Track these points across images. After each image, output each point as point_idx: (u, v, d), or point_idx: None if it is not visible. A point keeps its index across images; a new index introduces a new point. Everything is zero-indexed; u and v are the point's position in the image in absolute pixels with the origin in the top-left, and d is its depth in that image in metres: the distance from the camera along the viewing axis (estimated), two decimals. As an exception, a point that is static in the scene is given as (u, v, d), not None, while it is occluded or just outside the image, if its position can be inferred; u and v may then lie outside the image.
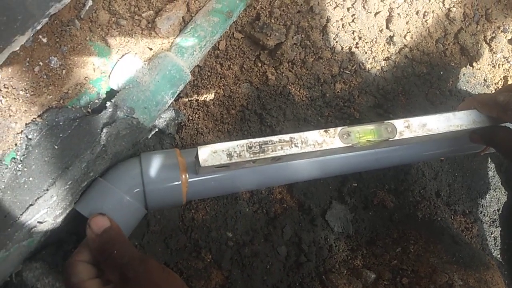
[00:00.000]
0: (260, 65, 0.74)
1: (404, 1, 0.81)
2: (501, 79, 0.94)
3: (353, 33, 0.78)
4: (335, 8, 0.76)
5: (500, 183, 0.96)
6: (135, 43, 0.58)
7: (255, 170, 0.59)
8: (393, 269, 0.73)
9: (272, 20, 0.72)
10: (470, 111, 0.59)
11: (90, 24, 0.55)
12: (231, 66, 0.72)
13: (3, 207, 0.48)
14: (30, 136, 0.51)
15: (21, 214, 0.49)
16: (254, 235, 0.70)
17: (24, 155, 0.50)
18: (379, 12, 0.79)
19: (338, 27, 0.76)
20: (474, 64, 0.89)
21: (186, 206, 0.68)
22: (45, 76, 0.52)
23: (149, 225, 0.65)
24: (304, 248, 0.71)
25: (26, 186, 0.49)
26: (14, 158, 0.50)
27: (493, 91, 0.93)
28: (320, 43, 0.75)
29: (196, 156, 0.48)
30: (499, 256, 0.91)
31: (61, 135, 0.52)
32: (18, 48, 0.47)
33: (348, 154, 0.63)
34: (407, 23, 0.82)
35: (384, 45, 0.81)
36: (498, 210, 0.94)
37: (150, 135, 0.62)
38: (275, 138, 0.50)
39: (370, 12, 0.78)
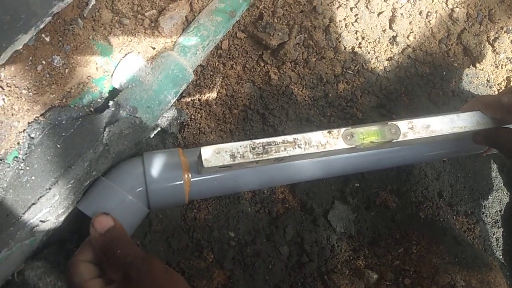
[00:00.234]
0: (262, 64, 0.74)
1: (407, 1, 0.81)
2: (504, 79, 0.93)
3: (356, 33, 0.78)
4: (338, 8, 0.76)
5: (502, 184, 0.95)
6: (138, 42, 0.58)
7: (257, 170, 0.59)
8: (395, 270, 0.73)
9: (275, 20, 0.72)
10: (474, 113, 0.59)
11: (93, 23, 0.55)
12: (234, 65, 0.72)
13: (6, 206, 0.48)
14: (32, 135, 0.50)
15: (24, 213, 0.49)
16: (256, 235, 0.70)
17: (26, 154, 0.50)
18: (382, 12, 0.79)
19: (341, 27, 0.76)
20: (477, 64, 0.89)
21: (188, 206, 0.68)
22: (48, 75, 0.52)
23: (151, 225, 0.65)
24: (306, 248, 0.71)
25: (28, 185, 0.49)
26: (17, 157, 0.50)
27: (496, 92, 0.93)
28: (323, 43, 0.75)
29: (199, 157, 0.47)
30: (501, 257, 0.91)
31: (63, 134, 0.51)
32: (21, 47, 0.47)
33: (351, 155, 0.63)
34: (410, 23, 0.82)
35: (387, 45, 0.81)
36: (500, 211, 0.94)
37: (153, 135, 0.62)
38: (278, 139, 0.49)
39: (373, 12, 0.78)
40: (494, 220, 0.93)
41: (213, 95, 0.71)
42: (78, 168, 0.51)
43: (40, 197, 0.49)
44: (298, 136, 0.50)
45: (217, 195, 0.68)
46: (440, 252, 0.74)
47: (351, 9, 0.77)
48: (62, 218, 0.52)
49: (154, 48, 0.59)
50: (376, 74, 0.81)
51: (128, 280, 0.43)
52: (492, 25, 0.88)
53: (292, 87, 0.75)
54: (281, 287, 0.69)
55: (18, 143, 0.50)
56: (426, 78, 0.85)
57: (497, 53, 0.90)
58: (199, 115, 0.70)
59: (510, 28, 0.89)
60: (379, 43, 0.80)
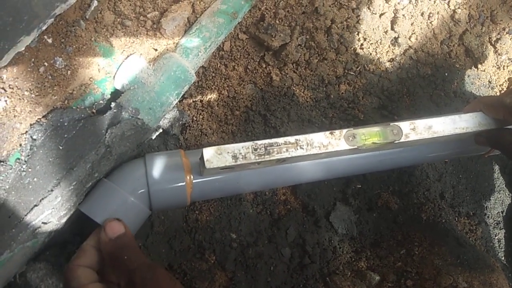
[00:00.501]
0: (264, 66, 0.74)
1: (409, 3, 0.81)
2: (506, 80, 0.93)
3: (357, 34, 0.78)
4: (339, 9, 0.76)
5: (504, 185, 0.95)
6: (140, 44, 0.58)
7: (259, 172, 0.59)
8: (397, 271, 0.73)
9: (277, 21, 0.72)
10: (476, 113, 0.58)
11: (95, 25, 0.55)
12: (236, 67, 0.72)
13: (8, 208, 0.48)
14: (34, 137, 0.50)
15: (26, 215, 0.49)
16: (258, 237, 0.70)
17: (28, 155, 0.50)
18: (384, 13, 0.79)
19: (343, 28, 0.76)
20: (479, 65, 0.89)
21: (190, 207, 0.68)
22: (50, 77, 0.52)
23: (153, 226, 0.65)
24: (308, 249, 0.71)
25: (30, 186, 0.49)
26: (19, 159, 0.50)
27: (498, 93, 0.93)
28: (325, 44, 0.75)
29: (201, 158, 0.47)
30: (503, 258, 0.91)
31: (65, 135, 0.51)
32: (23, 49, 0.47)
33: (353, 156, 0.63)
34: (412, 24, 0.82)
35: (389, 46, 0.81)
36: (502, 212, 0.94)
37: (155, 136, 0.62)
38: (280, 140, 0.49)
39: (375, 13, 0.78)
40: (496, 222, 0.92)
41: (214, 96, 0.71)
42: (80, 169, 0.51)
43: (42, 198, 0.49)
44: (300, 137, 0.50)
45: (219, 197, 0.68)
46: (442, 253, 0.74)
47: (352, 10, 0.77)
48: (64, 220, 0.52)
49: (156, 50, 0.59)
50: (378, 75, 0.81)
51: (131, 286, 0.43)
52: (494, 26, 0.88)
53: (293, 88, 0.75)
54: (283, 288, 0.69)
55: (20, 145, 0.50)
56: (428, 79, 0.85)
57: (499, 54, 0.90)
58: (201, 117, 0.70)
59: (512, 29, 0.89)
60: (380, 44, 0.80)
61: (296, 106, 0.74)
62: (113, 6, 0.56)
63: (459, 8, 0.85)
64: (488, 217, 0.91)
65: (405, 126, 0.54)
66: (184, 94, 0.63)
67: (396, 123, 0.55)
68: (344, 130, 0.52)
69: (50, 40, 0.52)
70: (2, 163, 0.49)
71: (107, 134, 0.52)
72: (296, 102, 0.74)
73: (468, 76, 0.89)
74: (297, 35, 0.73)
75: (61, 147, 0.51)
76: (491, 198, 0.93)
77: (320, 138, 0.51)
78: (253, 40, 0.72)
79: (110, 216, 0.51)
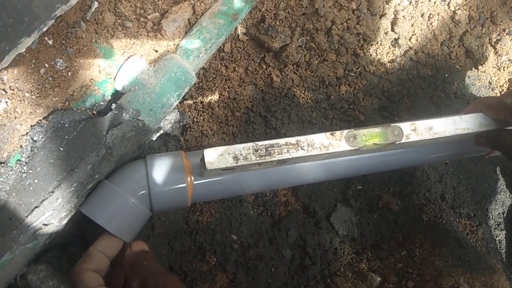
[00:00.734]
0: (265, 67, 0.74)
1: (409, 4, 0.81)
2: (506, 81, 0.93)
3: (358, 35, 0.78)
4: (340, 10, 0.76)
5: (504, 186, 0.95)
6: (140, 45, 0.58)
7: (260, 173, 0.59)
8: (398, 273, 0.73)
9: (277, 22, 0.72)
10: (476, 114, 0.58)
11: (96, 26, 0.55)
12: (236, 68, 0.72)
13: (8, 209, 0.48)
14: (35, 138, 0.50)
15: (26, 216, 0.49)
16: (259, 238, 0.70)
17: (29, 157, 0.50)
18: (384, 14, 0.79)
19: (343, 29, 0.76)
20: (479, 66, 0.89)
21: (190, 209, 0.68)
22: (50, 78, 0.52)
23: (154, 228, 0.64)
24: (309, 251, 0.71)
25: (31, 188, 0.49)
26: (19, 160, 0.50)
27: (498, 94, 0.93)
28: (325, 45, 0.75)
29: (202, 159, 0.47)
30: (504, 259, 0.91)
31: (66, 137, 0.51)
32: (24, 50, 0.47)
33: (353, 157, 0.63)
34: (412, 25, 0.82)
35: (389, 48, 0.81)
36: (503, 213, 0.94)
37: (155, 137, 0.62)
38: (281, 141, 0.49)
39: (375, 15, 0.78)
40: (497, 223, 0.92)
41: (215, 97, 0.71)
42: (81, 171, 0.51)
43: (43, 200, 0.49)
44: (301, 138, 0.50)
45: (219, 198, 0.68)
46: (443, 254, 0.74)
47: (353, 11, 0.77)
48: (64, 222, 0.52)
49: (156, 51, 0.59)
50: (378, 76, 0.81)
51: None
52: (494, 27, 0.88)
53: (294, 89, 0.75)
54: (284, 290, 0.69)
55: (21, 146, 0.50)
56: (428, 80, 0.85)
57: (499, 55, 0.90)
58: (201, 118, 0.70)
59: (512, 30, 0.89)
60: (381, 45, 0.80)
61: (297, 107, 0.74)
62: (114, 8, 0.56)
63: (459, 9, 0.85)
64: (489, 218, 0.91)
65: (406, 127, 0.54)
66: (184, 96, 0.63)
67: (396, 124, 0.55)
68: (345, 131, 0.52)
69: (50, 42, 0.52)
70: (2, 164, 0.49)
71: (107, 135, 0.52)
72: (297, 103, 0.74)
73: (469, 77, 0.89)
74: (297, 36, 0.73)
75: (61, 149, 0.51)
76: (491, 199, 0.93)
77: (321, 139, 0.51)
78: (254, 41, 0.72)
79: (110, 217, 0.51)
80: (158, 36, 0.59)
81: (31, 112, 0.51)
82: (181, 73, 0.57)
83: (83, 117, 0.53)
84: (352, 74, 0.79)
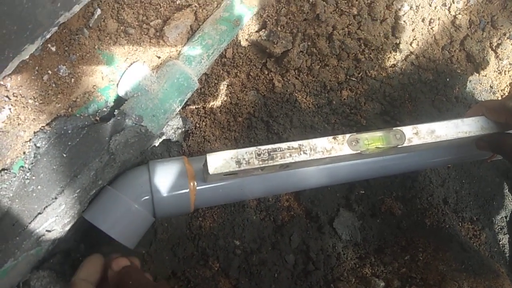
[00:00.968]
0: (266, 72, 0.74)
1: (410, 9, 0.81)
2: (507, 85, 0.93)
3: (359, 40, 0.78)
4: (341, 15, 0.76)
5: (507, 190, 0.95)
6: (143, 52, 0.58)
7: (263, 178, 0.59)
8: (402, 277, 0.72)
9: (279, 28, 0.72)
10: (478, 118, 0.59)
11: (99, 33, 0.55)
12: (238, 73, 0.72)
13: (12, 216, 0.48)
14: (38, 145, 0.51)
15: (30, 223, 0.49)
16: (262, 243, 0.70)
17: (32, 163, 0.50)
18: (385, 19, 0.79)
19: (344, 34, 0.76)
20: (480, 70, 0.89)
21: (193, 214, 0.68)
22: (53, 85, 0.52)
23: (157, 233, 0.64)
24: (312, 256, 0.71)
25: (34, 194, 0.49)
26: (23, 167, 0.50)
27: (500, 98, 0.93)
28: (326, 50, 0.75)
29: (205, 164, 0.47)
30: (507, 263, 0.90)
31: (69, 143, 0.52)
32: (27, 57, 0.48)
33: (356, 161, 0.63)
34: (413, 30, 0.82)
35: (390, 52, 0.81)
36: (505, 217, 0.94)
37: (158, 143, 0.62)
38: (283, 145, 0.49)
39: (376, 20, 0.78)
40: (499, 227, 0.92)
41: (217, 103, 0.71)
42: (84, 177, 0.51)
43: (46, 206, 0.49)
44: (303, 142, 0.50)
45: (222, 203, 0.68)
46: (447, 259, 0.74)
47: (354, 16, 0.77)
48: (68, 228, 0.52)
49: (159, 57, 0.59)
50: (379, 81, 0.81)
51: None
52: (495, 32, 0.89)
53: (296, 94, 0.75)
54: (287, 295, 0.69)
55: (24, 153, 0.50)
56: (429, 85, 0.85)
57: (500, 59, 0.90)
58: (203, 123, 0.70)
59: (513, 34, 0.89)
60: (382, 50, 0.80)
61: (299, 112, 0.74)
62: (116, 15, 0.57)
63: (459, 14, 0.85)
64: (491, 222, 0.91)
65: (408, 130, 0.55)
66: (187, 101, 0.63)
67: (399, 128, 0.55)
68: (347, 135, 0.52)
69: (54, 48, 0.52)
70: (6, 171, 0.49)
71: (110, 141, 0.53)
72: (299, 108, 0.74)
73: (470, 81, 0.89)
74: (299, 41, 0.73)
75: (65, 155, 0.51)
76: (494, 203, 0.92)
77: (323, 143, 0.51)
78: (255, 47, 0.73)
79: (113, 223, 0.51)
80: (160, 43, 0.59)
81: (34, 118, 0.51)
82: (184, 79, 0.58)
83: (86, 123, 0.53)
84: (354, 79, 0.79)
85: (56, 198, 0.50)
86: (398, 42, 0.81)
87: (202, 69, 0.62)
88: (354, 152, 0.52)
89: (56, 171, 0.50)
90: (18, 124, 0.50)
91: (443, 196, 0.84)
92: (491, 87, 0.92)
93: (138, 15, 0.58)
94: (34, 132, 0.51)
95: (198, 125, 0.69)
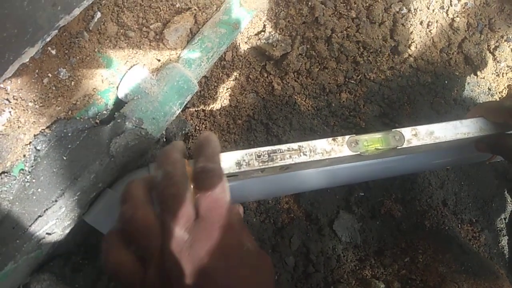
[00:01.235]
0: (266, 75, 0.74)
1: (408, 12, 0.81)
2: (505, 87, 0.94)
3: (357, 43, 0.78)
4: (339, 18, 0.76)
5: (506, 192, 0.95)
6: (143, 55, 0.58)
7: (262, 180, 0.59)
8: (402, 279, 0.73)
9: (278, 31, 0.73)
10: (477, 119, 0.59)
11: (99, 36, 0.56)
12: (238, 76, 0.73)
13: (12, 219, 0.48)
14: (38, 147, 0.51)
15: (30, 226, 0.49)
16: (262, 245, 0.70)
17: (32, 166, 0.50)
18: (383, 22, 0.80)
19: (343, 37, 0.77)
20: (478, 73, 0.89)
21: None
22: (54, 88, 0.52)
23: (157, 236, 0.64)
24: (312, 258, 0.71)
25: (34, 197, 0.49)
26: (23, 169, 0.50)
27: (498, 99, 0.94)
28: (325, 53, 0.75)
29: None
30: (507, 265, 0.91)
31: (69, 146, 0.52)
32: (27, 60, 0.48)
33: (355, 164, 0.63)
34: (411, 33, 0.82)
35: (389, 55, 0.82)
36: (505, 219, 0.94)
37: (158, 146, 0.62)
38: (283, 146, 0.50)
39: (374, 22, 0.79)
40: (499, 228, 0.92)
41: (217, 105, 0.71)
42: (84, 180, 0.51)
43: (46, 209, 0.49)
44: (303, 143, 0.50)
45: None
46: (446, 260, 0.74)
47: (352, 19, 0.77)
48: (68, 231, 0.52)
49: (159, 60, 0.60)
50: (378, 84, 0.81)
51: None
52: (492, 34, 0.89)
53: (295, 97, 0.75)
54: (287, 298, 0.69)
55: (24, 156, 0.50)
56: (428, 87, 0.85)
57: (498, 62, 0.91)
58: (203, 126, 0.70)
59: (510, 37, 0.90)
60: (380, 52, 0.80)
61: (298, 114, 0.74)
62: (116, 18, 0.57)
63: (457, 16, 0.86)
64: (491, 224, 0.91)
65: (407, 132, 0.55)
66: (186, 104, 0.63)
67: (398, 129, 0.55)
68: (347, 137, 0.52)
69: (54, 52, 0.52)
70: (6, 174, 0.49)
71: (111, 144, 0.53)
72: (298, 111, 0.75)
73: (468, 83, 0.89)
74: (298, 44, 0.74)
75: (65, 158, 0.51)
76: (493, 205, 0.93)
77: (323, 144, 0.51)
78: (255, 50, 0.73)
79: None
80: (160, 46, 0.59)
81: (34, 121, 0.51)
82: (184, 81, 0.58)
83: (86, 126, 0.53)
84: (353, 81, 0.79)
85: (56, 200, 0.50)
86: (396, 45, 0.81)
87: (201, 72, 0.62)
88: (354, 153, 0.52)
89: (56, 173, 0.50)
90: (18, 127, 0.50)
91: (442, 198, 0.84)
92: (489, 89, 0.92)
93: (138, 18, 0.58)
94: (34, 135, 0.51)
95: (198, 128, 0.69)
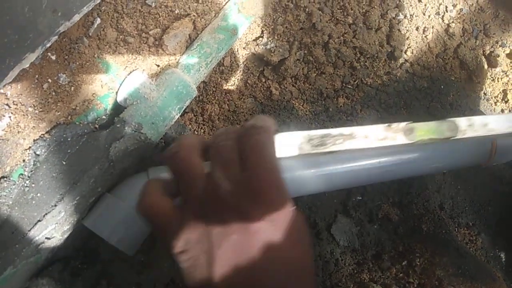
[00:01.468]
0: (264, 80, 0.75)
1: (404, 17, 0.82)
2: (500, 92, 0.95)
3: (354, 48, 0.79)
4: (336, 24, 0.77)
5: (502, 195, 0.96)
6: (142, 60, 0.59)
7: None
8: (399, 282, 0.73)
9: (276, 37, 0.73)
10: None
11: (98, 42, 0.56)
12: (236, 81, 0.73)
13: (11, 223, 0.48)
14: (38, 152, 0.51)
15: (29, 230, 0.49)
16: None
17: (32, 171, 0.50)
18: (379, 28, 0.81)
19: (340, 43, 0.78)
20: (474, 78, 0.90)
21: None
22: (53, 93, 0.52)
23: (156, 241, 0.64)
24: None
25: (34, 202, 0.49)
26: (22, 174, 0.50)
27: (493, 104, 0.95)
28: (323, 58, 0.76)
29: None
30: (503, 268, 0.91)
31: (69, 151, 0.52)
32: (27, 66, 0.48)
33: (353, 167, 0.63)
34: (407, 38, 0.83)
35: (385, 60, 0.83)
36: (501, 222, 0.94)
37: (157, 150, 0.62)
38: (334, 131, 0.47)
39: (371, 28, 0.80)
40: (495, 232, 0.93)
41: (215, 110, 0.71)
42: (83, 184, 0.51)
43: (46, 214, 0.50)
44: (356, 129, 0.48)
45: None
46: (444, 264, 0.74)
47: (349, 25, 0.78)
48: (67, 235, 0.52)
49: (158, 66, 0.60)
50: (375, 89, 0.82)
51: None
52: (488, 40, 0.90)
53: (293, 102, 0.76)
54: (286, 302, 0.68)
55: (24, 160, 0.50)
56: (424, 92, 0.86)
57: (492, 67, 0.92)
58: (202, 131, 0.70)
59: (505, 42, 0.91)
60: (377, 58, 0.81)
61: (296, 119, 0.75)
62: (116, 24, 0.57)
63: (453, 22, 0.87)
64: (487, 227, 0.92)
65: (463, 122, 0.53)
66: (185, 109, 0.63)
67: (452, 119, 0.53)
68: (402, 124, 0.50)
69: (54, 57, 0.53)
70: (5, 178, 0.49)
71: (110, 149, 0.53)
72: (296, 115, 0.75)
73: (464, 88, 0.90)
74: (295, 50, 0.74)
75: (64, 162, 0.51)
76: (489, 208, 0.93)
77: (376, 131, 0.49)
78: (253, 56, 0.74)
79: (114, 230, 0.51)
80: (159, 51, 0.60)
81: (34, 126, 0.51)
82: (183, 86, 0.58)
83: (86, 131, 0.54)
84: (350, 86, 0.80)
85: (55, 205, 0.50)
86: (393, 50, 0.82)
87: (200, 77, 0.63)
88: (408, 142, 0.50)
89: (56, 178, 0.50)
90: (18, 132, 0.50)
91: (439, 202, 0.85)
92: (484, 94, 0.93)
93: (137, 24, 0.59)
94: (34, 140, 0.51)
95: (196, 132, 0.70)
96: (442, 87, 0.87)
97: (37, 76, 0.51)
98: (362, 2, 0.79)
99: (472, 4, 0.89)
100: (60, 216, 0.50)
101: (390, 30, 0.82)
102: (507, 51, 0.92)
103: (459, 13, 0.88)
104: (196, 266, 0.34)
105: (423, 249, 0.77)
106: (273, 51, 0.72)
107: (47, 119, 0.52)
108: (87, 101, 0.55)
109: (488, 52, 0.91)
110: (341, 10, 0.77)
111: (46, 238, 0.50)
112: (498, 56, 0.90)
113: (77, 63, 0.54)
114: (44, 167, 0.50)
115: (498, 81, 0.94)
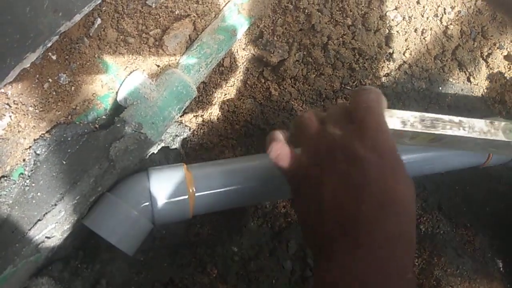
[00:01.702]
0: (263, 81, 0.75)
1: (403, 19, 0.83)
2: (498, 94, 0.95)
3: (353, 50, 0.79)
4: (335, 26, 0.78)
5: (500, 196, 0.96)
6: (142, 60, 0.59)
7: (260, 183, 0.60)
8: (398, 283, 0.73)
9: (275, 38, 0.74)
10: None
11: (99, 42, 0.56)
12: (236, 82, 0.73)
13: (11, 222, 0.48)
14: (38, 152, 0.51)
15: (29, 230, 0.49)
16: (260, 250, 0.70)
17: (32, 170, 0.50)
18: (378, 29, 0.81)
19: (339, 44, 0.78)
20: (472, 79, 0.91)
21: (191, 221, 0.68)
22: (54, 93, 0.53)
23: (155, 240, 0.65)
24: (309, 262, 0.71)
25: (34, 201, 0.50)
26: (22, 174, 0.50)
27: (491, 106, 0.95)
28: (322, 59, 0.77)
29: None
30: (501, 268, 0.91)
31: (69, 150, 0.52)
32: (28, 65, 0.48)
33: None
34: (406, 40, 0.84)
35: (384, 62, 0.83)
36: (498, 223, 0.95)
37: (157, 150, 0.62)
38: (445, 117, 0.50)
39: (370, 30, 0.80)
40: (493, 232, 0.93)
41: (215, 111, 0.72)
42: (83, 184, 0.52)
43: (46, 213, 0.50)
44: (464, 119, 0.51)
45: (221, 209, 0.68)
46: (442, 264, 0.75)
47: (348, 27, 0.79)
48: (67, 234, 0.52)
49: (158, 66, 0.60)
50: (374, 90, 0.82)
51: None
52: (485, 42, 0.91)
53: (292, 102, 0.76)
54: (285, 302, 0.69)
55: (24, 160, 0.50)
56: (422, 93, 0.86)
57: (490, 68, 0.92)
58: (201, 131, 0.70)
59: (503, 44, 0.92)
60: (376, 59, 0.82)
61: (295, 120, 0.75)
62: (116, 24, 0.57)
63: (451, 24, 0.87)
64: (485, 227, 0.92)
65: None
66: (185, 109, 0.64)
67: None
68: (502, 123, 0.52)
69: (54, 57, 0.53)
70: (5, 178, 0.49)
71: (110, 148, 0.53)
72: (295, 116, 0.75)
73: (462, 89, 0.91)
74: (295, 51, 0.75)
75: (64, 162, 0.51)
76: (487, 209, 0.94)
77: (481, 124, 0.51)
78: (252, 56, 0.74)
79: (113, 230, 0.51)
80: (159, 52, 0.60)
81: (34, 126, 0.51)
82: (182, 87, 0.58)
83: (86, 130, 0.54)
84: (349, 87, 0.80)
85: (55, 204, 0.50)
86: (391, 52, 0.83)
87: (200, 77, 0.63)
88: (507, 140, 0.52)
89: (56, 178, 0.51)
90: (18, 131, 0.50)
91: (437, 202, 0.85)
92: (482, 95, 0.93)
93: (137, 24, 0.59)
94: (34, 140, 0.51)
95: (196, 133, 0.70)
96: (440, 88, 0.88)
97: (37, 75, 0.51)
98: (361, 4, 0.79)
99: (470, 7, 0.89)
100: (60, 215, 0.50)
101: (389, 31, 0.82)
102: (505, 53, 0.93)
103: (457, 15, 0.88)
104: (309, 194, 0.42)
105: (421, 249, 0.78)
106: (272, 52, 0.72)
107: (47, 118, 0.52)
108: (88, 101, 0.56)
109: (486, 54, 0.91)
110: (340, 12, 0.77)
111: (46, 237, 0.50)
112: (496, 58, 0.91)
113: (78, 63, 0.55)
114: (44, 166, 0.51)
115: (496, 83, 0.94)
